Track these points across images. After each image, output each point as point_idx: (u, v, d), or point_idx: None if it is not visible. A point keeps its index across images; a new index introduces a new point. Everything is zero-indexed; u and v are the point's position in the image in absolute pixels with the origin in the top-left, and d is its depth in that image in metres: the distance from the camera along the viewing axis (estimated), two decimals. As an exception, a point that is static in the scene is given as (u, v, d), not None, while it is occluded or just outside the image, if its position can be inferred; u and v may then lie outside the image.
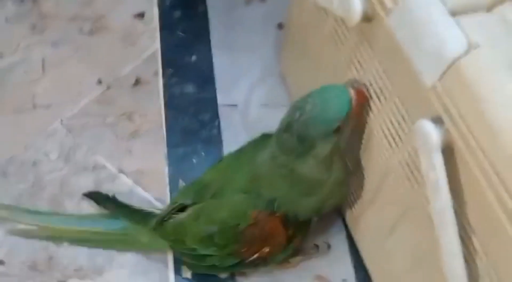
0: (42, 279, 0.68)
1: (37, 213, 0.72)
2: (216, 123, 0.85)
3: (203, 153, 0.82)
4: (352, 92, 0.55)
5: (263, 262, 0.67)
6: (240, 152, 0.68)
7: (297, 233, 0.66)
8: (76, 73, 0.86)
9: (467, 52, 0.43)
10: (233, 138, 0.83)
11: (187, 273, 0.71)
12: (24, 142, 0.78)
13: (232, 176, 0.65)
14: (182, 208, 0.67)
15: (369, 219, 0.67)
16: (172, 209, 0.67)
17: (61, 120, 0.81)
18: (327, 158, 0.58)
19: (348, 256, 0.74)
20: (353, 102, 0.55)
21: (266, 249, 0.66)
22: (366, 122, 0.60)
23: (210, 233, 0.64)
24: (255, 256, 0.66)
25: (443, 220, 0.45)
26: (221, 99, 0.87)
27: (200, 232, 0.65)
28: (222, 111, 0.86)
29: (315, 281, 0.73)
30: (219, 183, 0.66)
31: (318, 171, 0.59)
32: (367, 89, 0.58)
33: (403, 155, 0.55)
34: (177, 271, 0.71)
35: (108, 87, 0.85)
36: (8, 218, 0.72)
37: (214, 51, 0.91)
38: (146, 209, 0.71)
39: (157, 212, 0.70)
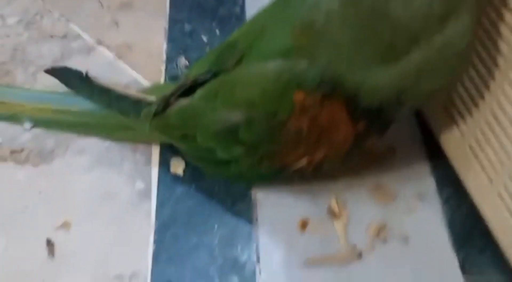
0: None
1: None
2: (240, 1, 0.63)
3: (217, 31, 0.59)
4: None
5: (312, 172, 0.43)
6: None
7: (372, 129, 0.40)
8: None
9: None
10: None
11: (178, 168, 0.47)
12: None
13: (270, 29, 0.40)
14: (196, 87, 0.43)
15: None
16: (182, 86, 0.43)
17: (30, -19, 0.61)
18: None
19: (425, 162, 0.49)
20: None
21: (320, 153, 0.41)
22: None
23: (232, 124, 0.40)
24: (302, 162, 0.42)
25: None
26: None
27: (218, 121, 0.41)
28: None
29: (371, 191, 0.47)
30: (249, 40, 0.41)
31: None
32: None
33: None
34: (163, 164, 0.47)
35: None
36: None
37: None
38: (134, 94, 0.47)
39: (151, 99, 0.46)
